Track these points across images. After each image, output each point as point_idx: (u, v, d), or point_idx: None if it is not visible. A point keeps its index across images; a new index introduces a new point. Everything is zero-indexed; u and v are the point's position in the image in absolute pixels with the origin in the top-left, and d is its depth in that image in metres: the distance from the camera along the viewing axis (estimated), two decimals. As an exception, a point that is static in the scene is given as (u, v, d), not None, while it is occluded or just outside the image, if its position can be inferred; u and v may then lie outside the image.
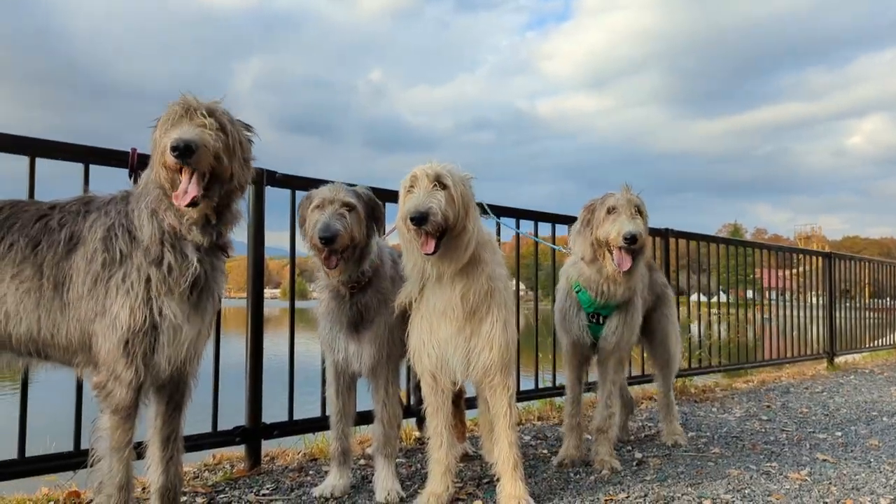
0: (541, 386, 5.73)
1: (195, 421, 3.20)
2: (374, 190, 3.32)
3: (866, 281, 11.71)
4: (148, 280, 2.30)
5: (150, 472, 2.64)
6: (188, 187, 2.27)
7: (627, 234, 3.38)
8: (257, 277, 3.97)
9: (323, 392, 3.84)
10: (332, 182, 3.13)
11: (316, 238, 2.89)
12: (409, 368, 4.19)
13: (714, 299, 9.90)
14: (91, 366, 2.38)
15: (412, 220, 2.72)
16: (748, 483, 3.56)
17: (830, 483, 3.58)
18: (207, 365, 3.28)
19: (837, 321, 10.18)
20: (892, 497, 3.33)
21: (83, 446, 3.11)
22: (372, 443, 3.35)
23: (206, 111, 2.32)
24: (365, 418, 3.60)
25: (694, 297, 8.46)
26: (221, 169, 2.34)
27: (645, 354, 6.07)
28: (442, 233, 2.81)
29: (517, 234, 5.43)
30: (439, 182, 2.82)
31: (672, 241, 7.06)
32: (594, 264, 3.61)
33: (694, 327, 7.76)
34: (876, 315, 11.85)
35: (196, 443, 3.57)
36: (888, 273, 12.36)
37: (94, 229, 2.35)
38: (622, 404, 4.57)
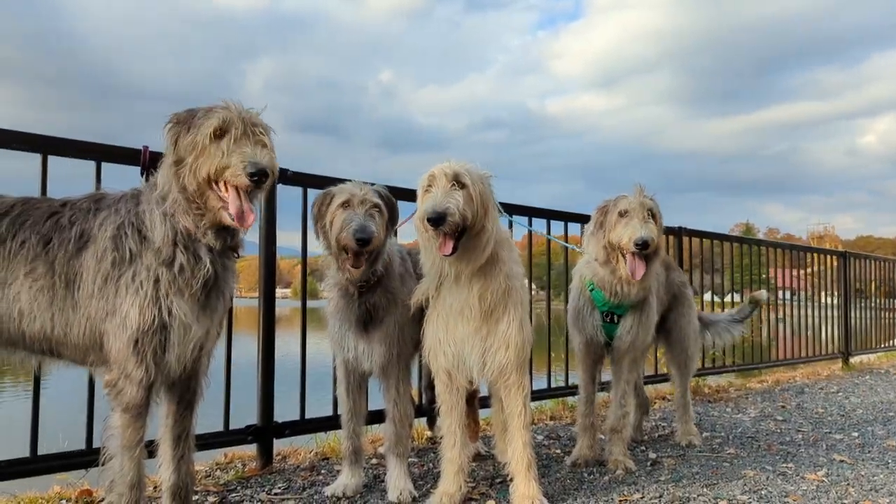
0: (553, 385, 5.69)
1: (207, 419, 3.19)
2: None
3: (881, 280, 11.59)
4: (158, 280, 2.29)
5: (162, 471, 2.63)
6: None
7: (639, 239, 3.34)
8: (269, 277, 3.95)
9: (334, 391, 3.82)
10: (351, 181, 3.10)
11: (350, 238, 2.85)
12: (420, 367, 4.17)
13: (727, 298, 9.81)
14: (102, 364, 2.37)
15: (429, 220, 2.68)
16: (764, 484, 3.51)
17: (848, 484, 3.53)
18: (219, 364, 3.28)
19: (852, 321, 10.08)
20: (912, 499, 3.28)
21: (95, 444, 3.11)
22: (384, 442, 3.33)
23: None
24: (376, 417, 3.59)
25: (707, 297, 8.39)
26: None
27: (660, 353, 6.03)
28: (460, 232, 2.78)
29: (529, 233, 5.39)
30: (458, 181, 2.78)
31: (685, 239, 7.02)
32: (607, 265, 3.58)
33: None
34: (891, 315, 11.73)
35: (208, 441, 3.56)
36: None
37: (104, 227, 2.34)
38: (637, 404, 4.53)
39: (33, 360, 2.49)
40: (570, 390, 5.58)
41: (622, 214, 3.46)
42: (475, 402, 4.04)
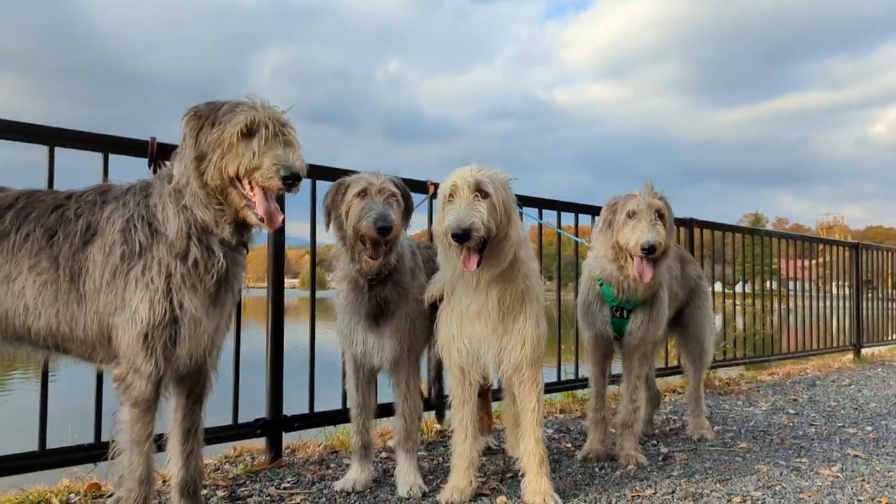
0: (563, 378, 5.66)
1: (216, 413, 3.16)
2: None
3: (893, 271, 11.48)
4: (169, 273, 2.26)
5: (171, 465, 2.62)
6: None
7: (646, 244, 3.31)
8: (278, 269, 3.91)
9: (344, 384, 3.80)
10: (366, 172, 3.05)
11: (371, 227, 2.80)
12: (428, 361, 4.14)
13: (737, 289, 9.74)
14: (111, 360, 2.35)
15: (454, 237, 2.64)
16: (778, 479, 3.47)
17: (863, 480, 3.48)
18: (228, 357, 3.25)
19: (864, 312, 10.00)
20: (929, 495, 3.23)
21: (104, 438, 3.09)
22: (393, 436, 3.30)
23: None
24: (385, 410, 3.56)
25: (718, 288, 8.33)
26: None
27: (670, 346, 5.98)
28: (483, 242, 2.74)
29: (540, 226, 5.34)
30: (480, 191, 2.73)
31: (696, 230, 6.96)
32: (616, 263, 3.55)
33: (718, 319, 7.64)
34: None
35: (216, 435, 3.55)
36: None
37: (111, 220, 2.30)
38: (649, 398, 4.49)
39: (40, 354, 2.47)
40: (581, 383, 5.54)
41: (631, 215, 3.43)
42: (488, 395, 4.01)
